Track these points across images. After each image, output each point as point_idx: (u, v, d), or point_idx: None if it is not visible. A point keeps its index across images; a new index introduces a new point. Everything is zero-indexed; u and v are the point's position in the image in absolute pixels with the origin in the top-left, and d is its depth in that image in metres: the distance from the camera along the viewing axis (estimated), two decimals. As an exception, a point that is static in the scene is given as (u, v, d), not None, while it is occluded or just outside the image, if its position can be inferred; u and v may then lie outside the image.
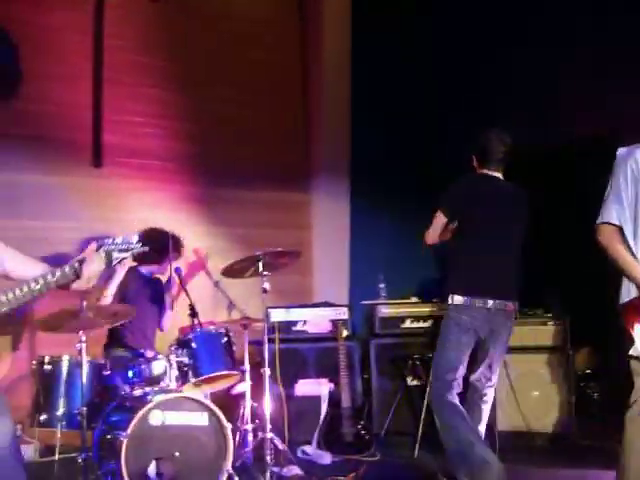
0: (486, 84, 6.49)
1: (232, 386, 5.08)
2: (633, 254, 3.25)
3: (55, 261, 5.33)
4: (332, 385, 5.54)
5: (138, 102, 6.20)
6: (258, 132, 6.65)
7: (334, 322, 5.82)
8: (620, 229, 3.32)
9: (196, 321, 5.20)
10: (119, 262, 3.00)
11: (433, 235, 4.51)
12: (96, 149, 5.98)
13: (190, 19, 6.51)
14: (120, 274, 4.94)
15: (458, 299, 4.37)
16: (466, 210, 4.47)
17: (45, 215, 5.69)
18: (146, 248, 3.07)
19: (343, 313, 5.90)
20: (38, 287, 2.71)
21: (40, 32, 5.84)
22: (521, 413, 5.53)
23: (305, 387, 5.67)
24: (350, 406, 5.34)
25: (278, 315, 5.84)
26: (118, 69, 6.10)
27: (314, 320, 5.90)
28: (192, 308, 5.22)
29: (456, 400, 4.37)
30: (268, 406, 4.69)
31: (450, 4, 6.56)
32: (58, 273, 2.73)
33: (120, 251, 2.97)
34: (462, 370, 4.42)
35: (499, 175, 4.57)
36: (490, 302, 4.35)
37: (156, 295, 5.39)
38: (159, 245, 5.18)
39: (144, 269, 5.38)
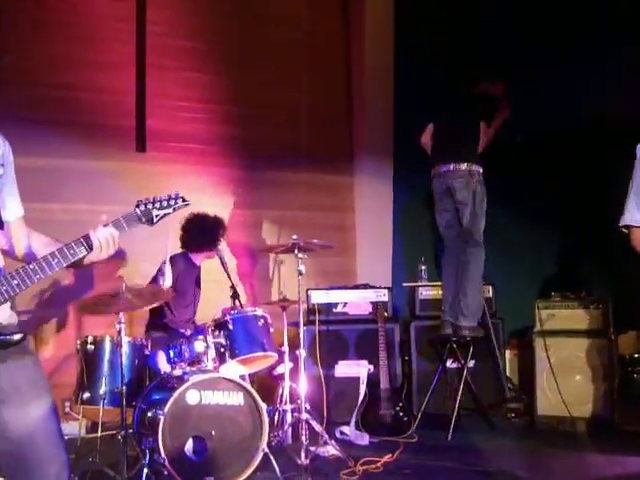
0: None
1: (273, 367, 5.16)
2: None
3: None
4: (371, 367, 5.58)
5: (180, 87, 6.31)
6: (300, 114, 6.70)
7: (374, 304, 5.86)
8: None
9: (237, 302, 5.30)
10: (161, 218, 2.88)
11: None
12: (140, 134, 6.11)
13: (231, 2, 6.56)
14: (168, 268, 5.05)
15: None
16: None
17: (91, 198, 5.82)
18: (189, 202, 3.03)
19: (383, 295, 5.93)
20: (53, 264, 2.70)
21: (85, 20, 5.98)
22: (562, 398, 5.48)
23: (344, 368, 5.73)
24: (389, 388, 5.38)
25: (318, 297, 5.90)
26: (160, 54, 6.22)
27: (354, 302, 5.94)
28: (233, 290, 5.31)
29: None
30: (304, 387, 4.76)
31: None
32: (70, 249, 2.72)
33: (160, 208, 2.88)
34: None
35: None
36: None
37: (198, 279, 5.49)
38: (209, 232, 5.28)
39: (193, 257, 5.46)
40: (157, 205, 2.88)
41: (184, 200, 2.96)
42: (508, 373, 6.20)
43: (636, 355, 6.11)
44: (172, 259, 5.12)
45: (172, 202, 2.93)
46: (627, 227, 3.35)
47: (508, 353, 6.36)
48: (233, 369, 4.59)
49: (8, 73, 5.67)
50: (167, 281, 4.96)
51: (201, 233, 5.30)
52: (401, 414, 5.29)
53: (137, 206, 2.85)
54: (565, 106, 6.11)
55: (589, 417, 5.50)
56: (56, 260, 2.61)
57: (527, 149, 6.30)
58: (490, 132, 5.80)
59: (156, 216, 2.88)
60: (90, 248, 2.67)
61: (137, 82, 6.13)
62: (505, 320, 6.03)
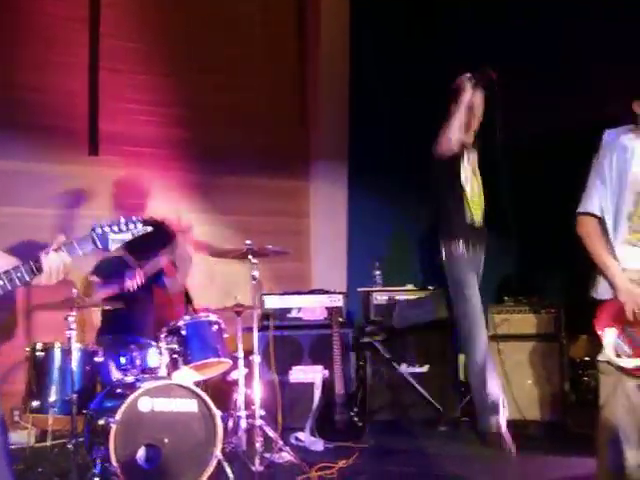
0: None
1: (227, 373, 5.12)
2: (612, 247, 3.25)
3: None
4: (326, 372, 5.57)
5: (134, 90, 6.22)
6: (256, 118, 6.66)
7: (329, 309, 5.86)
8: (601, 220, 3.29)
9: (190, 308, 5.26)
10: (118, 244, 2.88)
11: None
12: (92, 137, 6.02)
13: (186, 5, 6.51)
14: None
15: None
16: None
17: (42, 203, 5.73)
18: (149, 229, 2.98)
19: (338, 300, 5.93)
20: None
21: (37, 20, 5.87)
22: (515, 401, 5.54)
23: (299, 374, 5.72)
24: (344, 393, 5.36)
25: (273, 302, 5.87)
26: (114, 57, 6.13)
27: (309, 307, 5.93)
28: (187, 295, 5.27)
29: None
30: (258, 393, 4.73)
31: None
32: (18, 272, 2.64)
33: (119, 232, 2.85)
34: None
35: None
36: None
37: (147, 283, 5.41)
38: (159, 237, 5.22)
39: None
40: (115, 229, 2.82)
41: (144, 224, 2.91)
42: (462, 377, 6.23)
43: (587, 358, 6.22)
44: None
45: (131, 226, 2.87)
46: (582, 214, 3.34)
47: (462, 357, 6.40)
48: (187, 375, 4.55)
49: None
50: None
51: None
52: (356, 419, 5.28)
53: (93, 230, 2.78)
54: (520, 111, 6.18)
55: (542, 420, 5.57)
56: (1, 283, 2.55)
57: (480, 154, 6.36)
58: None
59: (112, 241, 2.82)
60: (39, 272, 2.61)
61: (90, 84, 6.03)
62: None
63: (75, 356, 4.32)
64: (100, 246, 2.79)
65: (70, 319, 4.26)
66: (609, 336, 3.19)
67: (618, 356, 3.17)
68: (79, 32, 6.03)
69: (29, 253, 4.84)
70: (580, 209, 3.35)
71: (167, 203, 6.08)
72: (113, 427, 3.92)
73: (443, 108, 6.35)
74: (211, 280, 6.24)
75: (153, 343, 4.56)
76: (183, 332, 4.57)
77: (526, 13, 6.27)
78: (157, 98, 6.29)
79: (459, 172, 5.26)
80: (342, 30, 6.90)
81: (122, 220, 2.88)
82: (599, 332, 3.22)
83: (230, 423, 4.95)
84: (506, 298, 5.99)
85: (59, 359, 4.49)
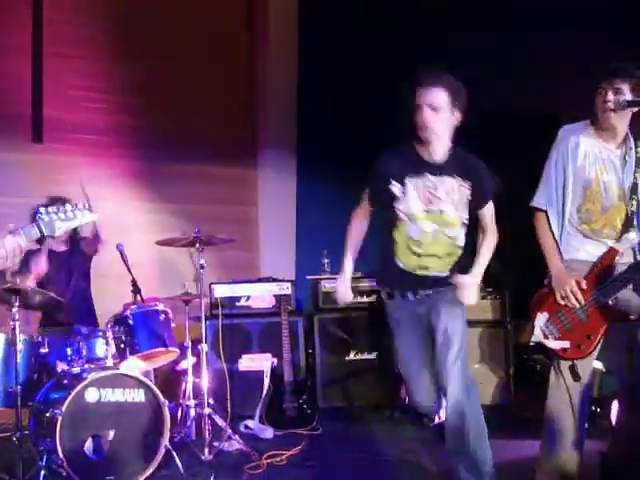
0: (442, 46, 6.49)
1: (177, 363, 5.10)
2: (556, 240, 3.41)
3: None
4: (275, 360, 5.58)
5: (79, 76, 6.14)
6: (203, 106, 6.62)
7: (278, 297, 5.86)
8: (547, 212, 3.45)
9: (138, 297, 5.20)
10: (64, 231, 2.87)
11: None
12: (36, 124, 5.91)
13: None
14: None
15: None
16: None
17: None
18: (96, 216, 2.93)
19: (287, 288, 5.93)
20: None
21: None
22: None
23: (248, 362, 5.71)
24: (292, 380, 5.38)
25: (221, 291, 5.85)
26: (58, 42, 6.03)
27: (258, 295, 5.92)
28: (134, 284, 5.22)
29: None
30: (206, 382, 4.72)
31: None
32: None
33: (65, 220, 2.82)
34: None
35: None
36: None
37: (74, 264, 5.35)
38: None
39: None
40: (61, 216, 2.77)
41: (91, 211, 2.87)
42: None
43: (531, 344, 6.33)
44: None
45: (78, 213, 2.82)
46: (533, 208, 3.50)
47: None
48: (134, 365, 4.51)
49: None
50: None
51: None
52: (305, 407, 5.30)
53: (37, 213, 2.73)
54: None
55: (488, 404, 5.65)
56: None
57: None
58: None
59: (58, 228, 2.77)
60: None
61: (33, 69, 5.92)
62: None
63: (19, 347, 4.23)
64: (46, 232, 2.75)
65: (14, 310, 4.18)
66: (539, 320, 3.42)
67: (546, 338, 3.32)
68: (22, 15, 5.91)
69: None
70: (531, 203, 3.51)
71: (112, 191, 6.01)
72: (59, 419, 3.87)
73: (395, 95, 6.43)
74: (159, 269, 6.19)
75: (99, 333, 4.52)
76: (130, 321, 4.53)
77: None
78: (102, 85, 6.21)
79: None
80: (291, 17, 6.88)
81: (69, 207, 2.83)
82: (532, 316, 3.40)
83: (179, 412, 4.95)
84: (453, 285, 6.05)
85: (3, 350, 4.36)
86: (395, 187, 3.53)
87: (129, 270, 5.26)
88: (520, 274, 5.69)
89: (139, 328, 4.55)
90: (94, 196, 5.42)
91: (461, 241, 3.59)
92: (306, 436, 5.07)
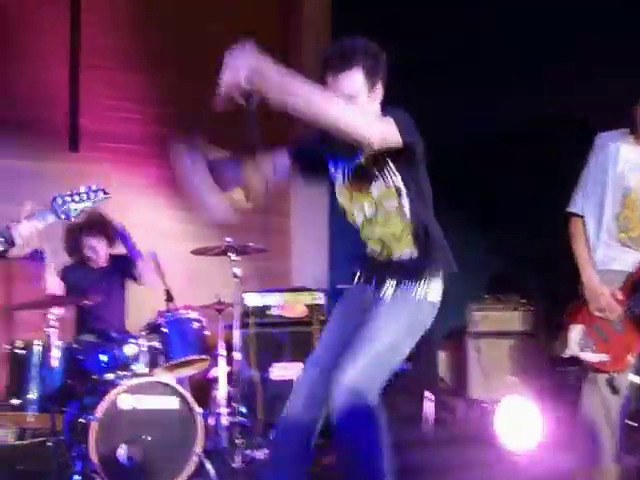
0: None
1: (208, 371, 5.12)
2: (592, 248, 3.36)
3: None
4: (307, 369, 5.55)
5: (114, 86, 6.21)
6: (236, 115, 6.63)
7: (310, 307, 5.86)
8: (584, 219, 3.41)
9: (172, 305, 5.24)
10: (80, 212, 2.91)
11: None
12: (73, 133, 6.00)
13: (167, 3, 6.49)
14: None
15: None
16: None
17: (20, 200, 5.68)
18: (110, 195, 2.94)
19: (319, 298, 5.93)
20: None
21: (16, 14, 5.84)
22: (493, 398, 5.56)
23: (280, 371, 5.71)
24: (323, 390, 5.37)
25: (253, 299, 5.87)
26: (95, 53, 6.12)
27: (290, 305, 5.93)
28: (168, 292, 5.25)
29: None
30: (238, 390, 4.75)
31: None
32: None
33: (79, 201, 2.86)
34: None
35: None
36: None
37: (112, 277, 5.39)
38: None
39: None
40: (75, 198, 2.79)
41: (105, 192, 2.88)
42: (441, 374, 6.27)
43: (565, 356, 6.27)
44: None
45: (92, 195, 2.85)
46: (570, 214, 3.47)
47: (442, 354, 6.44)
48: (167, 373, 4.55)
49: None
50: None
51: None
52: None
53: (54, 200, 2.76)
54: (500, 106, 6.22)
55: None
56: None
57: (465, 149, 6.39)
58: None
59: (74, 210, 2.79)
60: (11, 244, 2.59)
61: (71, 80, 6.01)
62: (439, 321, 6.09)
63: (55, 354, 4.30)
64: (62, 217, 2.76)
65: (50, 317, 4.25)
66: (574, 332, 3.35)
67: (582, 351, 3.28)
68: (60, 26, 6.01)
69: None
70: (567, 208, 3.47)
71: (146, 199, 6.07)
72: (93, 425, 3.91)
73: (427, 97, 6.43)
74: (191, 277, 6.23)
75: (134, 340, 4.56)
76: (164, 329, 4.58)
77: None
78: (137, 95, 6.27)
79: None
80: (325, 29, 6.90)
81: (82, 189, 2.85)
82: (566, 328, 3.35)
83: (211, 420, 4.97)
84: (486, 295, 6.03)
85: (39, 356, 4.45)
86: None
87: (162, 278, 5.30)
88: (557, 285, 5.66)
89: (173, 336, 4.60)
90: (128, 204, 5.56)
91: (407, 212, 2.84)
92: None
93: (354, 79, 2.69)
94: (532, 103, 6.18)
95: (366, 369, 2.65)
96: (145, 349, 4.51)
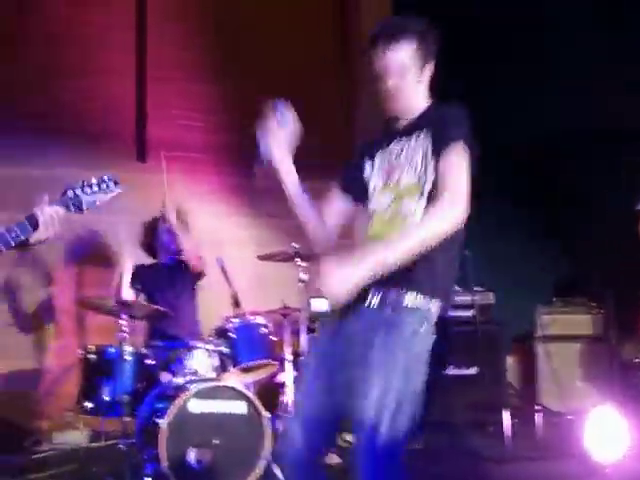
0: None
1: (275, 375, 5.16)
2: None
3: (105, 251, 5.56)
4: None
5: (180, 96, 6.32)
6: (300, 121, 6.67)
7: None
8: None
9: (239, 310, 5.29)
10: (93, 205, 2.80)
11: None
12: (140, 143, 6.13)
13: (230, 11, 6.58)
14: (126, 266, 5.08)
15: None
16: None
17: (95, 208, 5.82)
18: (120, 189, 2.87)
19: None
20: None
21: (84, 29, 6.02)
22: (564, 403, 5.48)
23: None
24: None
25: (319, 305, 5.88)
26: (160, 64, 6.26)
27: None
28: (235, 298, 5.31)
29: None
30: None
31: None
32: (12, 232, 2.61)
33: (91, 193, 2.77)
34: None
35: None
36: None
37: (180, 280, 5.42)
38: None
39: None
40: (87, 190, 2.73)
41: (116, 183, 2.82)
42: (510, 379, 6.18)
43: (637, 360, 6.13)
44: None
45: (104, 186, 2.79)
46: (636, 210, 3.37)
47: (510, 359, 6.35)
48: (235, 377, 4.60)
49: (12, 82, 5.74)
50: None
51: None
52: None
53: (64, 193, 2.72)
54: (564, 110, 6.13)
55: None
56: None
57: (526, 154, 6.31)
58: None
59: (86, 202, 2.73)
60: (35, 227, 2.60)
61: (137, 91, 6.16)
62: (507, 326, 6.02)
63: (126, 358, 4.40)
64: (73, 210, 2.73)
65: (122, 322, 4.36)
66: None
67: None
68: (127, 40, 6.17)
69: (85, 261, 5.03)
70: (636, 206, 3.38)
71: (211, 207, 6.16)
72: (163, 428, 3.98)
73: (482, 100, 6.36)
74: (257, 283, 6.28)
75: (202, 345, 4.62)
76: (231, 334, 4.63)
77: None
78: (202, 104, 6.37)
79: None
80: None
81: (94, 180, 2.79)
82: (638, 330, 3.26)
83: (279, 425, 5.00)
84: (554, 299, 5.93)
85: (111, 361, 4.54)
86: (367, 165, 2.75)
87: (230, 284, 5.36)
88: (624, 285, 5.54)
89: (240, 341, 4.64)
90: (194, 212, 5.64)
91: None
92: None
93: (403, 55, 2.55)
94: (596, 104, 6.09)
95: (385, 435, 2.38)
96: (213, 354, 4.57)
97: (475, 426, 5.64)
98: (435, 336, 2.49)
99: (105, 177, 2.80)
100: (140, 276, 5.23)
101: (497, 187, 5.67)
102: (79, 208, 2.72)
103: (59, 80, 5.91)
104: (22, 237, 2.59)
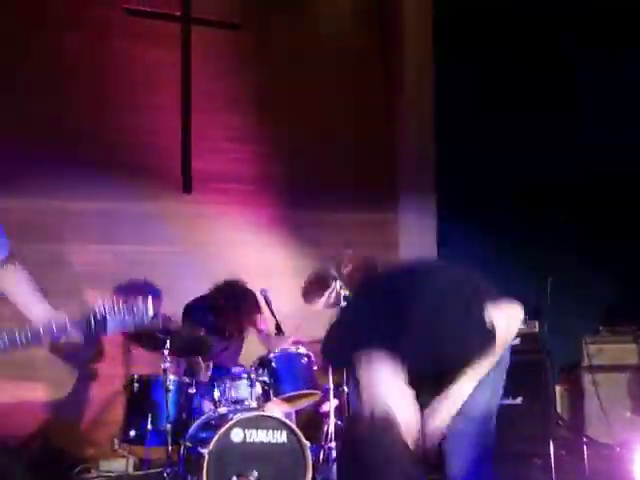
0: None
1: (319, 405, 5.17)
2: None
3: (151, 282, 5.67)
4: (416, 404, 5.51)
5: (224, 128, 6.43)
6: (343, 152, 6.76)
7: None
8: None
9: (282, 340, 5.33)
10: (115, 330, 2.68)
11: None
12: (185, 175, 6.26)
13: (273, 45, 6.71)
14: None
15: None
16: None
17: (139, 240, 6.00)
18: (154, 322, 2.86)
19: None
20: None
21: (132, 65, 6.19)
22: (612, 435, 5.38)
23: (389, 405, 5.67)
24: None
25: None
26: (205, 97, 6.38)
27: (398, 339, 5.90)
28: (278, 327, 5.35)
29: None
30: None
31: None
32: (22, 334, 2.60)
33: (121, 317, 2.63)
34: None
35: None
36: None
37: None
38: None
39: None
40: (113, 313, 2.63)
41: (147, 311, 2.67)
42: (559, 409, 6.08)
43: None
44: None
45: (136, 312, 2.65)
46: None
47: (558, 389, 6.26)
48: (277, 407, 4.63)
49: (58, 116, 5.93)
50: None
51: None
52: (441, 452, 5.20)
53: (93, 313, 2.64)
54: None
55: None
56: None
57: (577, 185, 6.28)
58: None
59: (110, 328, 2.63)
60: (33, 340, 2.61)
61: (182, 124, 6.30)
62: (555, 355, 5.94)
63: (170, 388, 4.47)
64: (94, 331, 2.63)
65: (165, 352, 4.44)
66: None
67: None
68: (172, 75, 6.31)
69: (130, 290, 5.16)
70: None
71: (256, 238, 6.25)
72: (206, 457, 4.03)
73: (535, 135, 6.36)
74: (302, 312, 6.31)
75: (245, 375, 4.67)
76: (273, 364, 4.68)
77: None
78: (247, 136, 6.45)
79: None
80: (426, 65, 6.91)
81: (126, 306, 2.67)
82: None
83: (320, 455, 5.00)
84: (601, 328, 5.84)
85: (154, 391, 4.62)
86: None
87: (273, 314, 5.40)
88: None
89: (282, 371, 4.69)
90: (239, 244, 5.72)
91: None
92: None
93: None
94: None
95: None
96: (256, 383, 4.61)
97: (521, 458, 5.56)
98: None
99: (141, 305, 2.68)
100: (192, 312, 5.31)
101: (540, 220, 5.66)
102: (102, 333, 2.68)
103: (107, 115, 6.08)
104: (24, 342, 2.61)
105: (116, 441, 4.74)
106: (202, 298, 5.40)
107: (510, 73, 6.55)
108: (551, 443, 5.27)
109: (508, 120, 6.57)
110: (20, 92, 5.92)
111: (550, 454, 5.43)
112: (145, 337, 4.70)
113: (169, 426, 4.32)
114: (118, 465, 5.18)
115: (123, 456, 5.07)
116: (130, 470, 5.16)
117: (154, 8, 6.32)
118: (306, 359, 4.80)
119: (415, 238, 6.94)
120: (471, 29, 6.54)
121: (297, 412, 5.02)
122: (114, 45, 6.19)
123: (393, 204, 7.03)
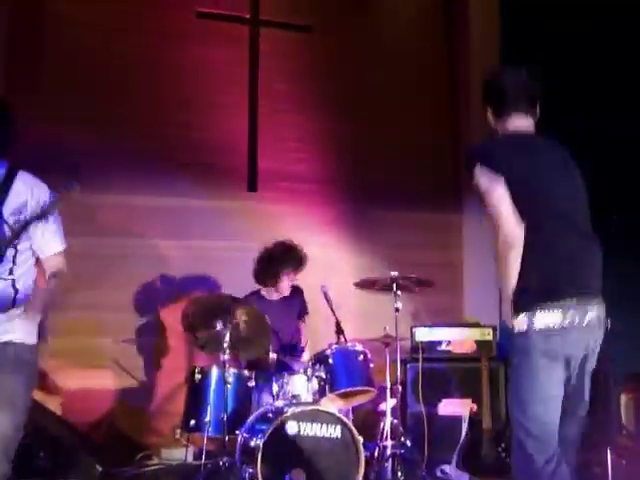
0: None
1: (378, 403, 5.22)
2: None
3: (216, 277, 5.82)
4: (475, 406, 5.53)
5: (290, 129, 6.57)
6: (407, 153, 6.80)
7: (479, 343, 5.82)
8: None
9: (341, 338, 5.40)
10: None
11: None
12: (251, 174, 6.40)
13: (340, 46, 6.81)
14: None
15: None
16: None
17: (208, 236, 6.18)
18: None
19: (488, 334, 5.88)
20: None
21: (202, 66, 6.37)
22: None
23: (448, 407, 5.69)
24: (491, 428, 5.32)
25: (422, 334, 5.92)
26: (272, 98, 6.53)
27: (458, 340, 5.92)
28: (338, 325, 5.41)
29: None
30: (404, 423, 4.80)
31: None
32: None
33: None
34: None
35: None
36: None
37: (291, 307, 5.62)
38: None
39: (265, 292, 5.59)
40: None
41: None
42: (623, 418, 5.97)
43: None
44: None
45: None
46: None
47: (623, 397, 6.14)
48: (332, 402, 4.69)
49: (133, 116, 6.14)
50: None
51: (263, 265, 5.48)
52: (503, 455, 5.21)
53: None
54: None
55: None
56: None
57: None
58: None
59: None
60: None
61: (249, 124, 6.44)
62: (620, 363, 5.83)
63: (230, 380, 4.59)
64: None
65: (225, 345, 4.56)
66: None
67: None
68: (240, 75, 6.47)
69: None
70: None
71: (318, 236, 6.34)
72: (261, 448, 4.13)
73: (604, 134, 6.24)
74: (362, 311, 6.37)
75: (302, 370, 4.76)
76: (330, 360, 4.74)
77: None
78: (311, 136, 6.58)
79: None
80: (492, 60, 6.89)
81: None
82: None
83: (376, 452, 5.05)
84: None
85: (215, 382, 4.74)
86: None
87: (333, 311, 5.47)
88: None
89: (338, 367, 4.74)
90: (303, 242, 5.82)
91: None
92: (502, 485, 4.96)
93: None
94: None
95: None
96: (313, 379, 4.69)
97: (581, 465, 5.48)
98: None
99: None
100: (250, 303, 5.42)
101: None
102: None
103: (175, 114, 6.29)
104: None
105: (178, 431, 4.88)
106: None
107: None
108: (608, 451, 5.19)
109: (578, 120, 6.47)
110: (100, 95, 6.16)
111: (607, 462, 5.37)
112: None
113: (227, 417, 4.43)
114: (178, 454, 5.34)
115: (184, 445, 5.22)
116: (189, 459, 5.30)
117: (224, 11, 6.49)
118: (362, 356, 4.85)
119: (479, 238, 6.91)
120: (538, 38, 6.49)
121: (354, 410, 5.07)
122: (184, 46, 6.38)
123: (457, 205, 7.03)
